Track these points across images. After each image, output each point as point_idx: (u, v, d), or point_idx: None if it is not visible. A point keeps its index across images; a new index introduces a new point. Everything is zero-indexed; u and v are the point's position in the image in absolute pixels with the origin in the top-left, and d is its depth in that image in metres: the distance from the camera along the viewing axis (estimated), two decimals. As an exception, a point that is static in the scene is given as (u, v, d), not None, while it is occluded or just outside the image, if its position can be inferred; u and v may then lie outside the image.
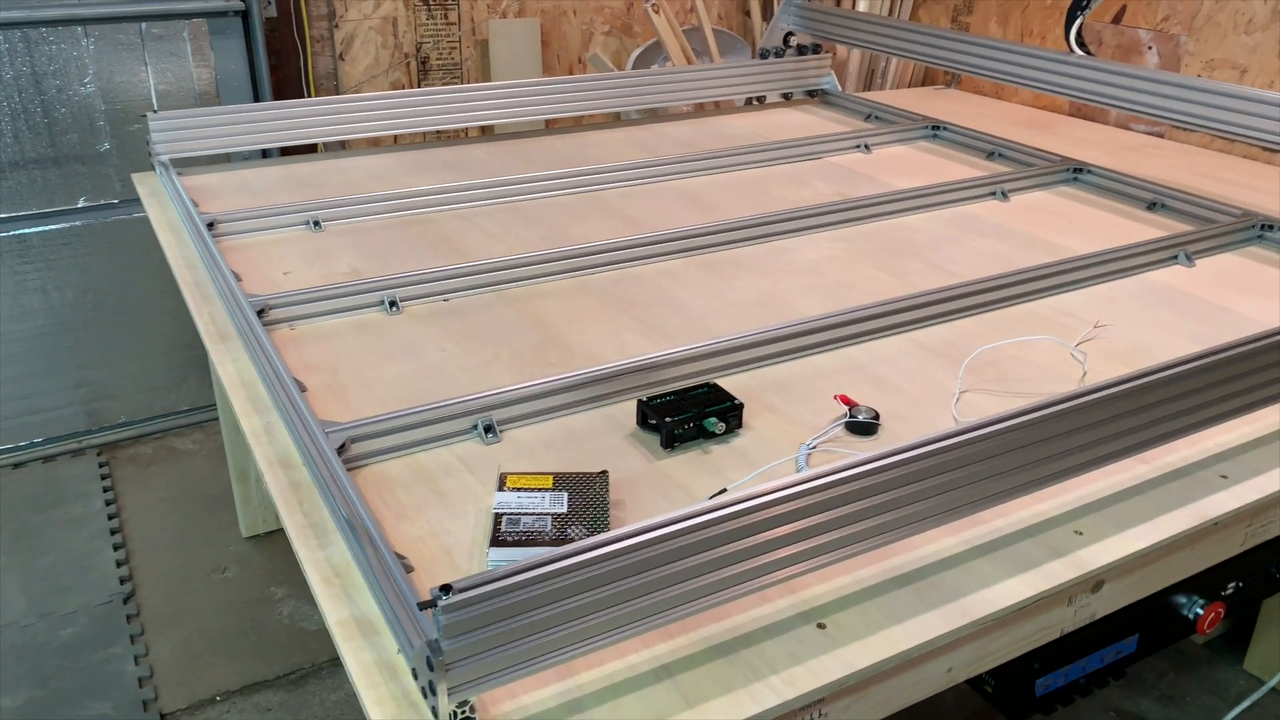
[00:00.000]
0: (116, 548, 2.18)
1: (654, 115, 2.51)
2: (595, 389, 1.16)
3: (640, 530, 0.72)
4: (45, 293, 2.39)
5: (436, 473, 1.04)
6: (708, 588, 0.77)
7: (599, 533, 0.84)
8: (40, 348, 2.42)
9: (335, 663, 1.92)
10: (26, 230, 2.34)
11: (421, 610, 0.67)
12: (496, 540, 0.86)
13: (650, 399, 1.10)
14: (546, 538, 0.87)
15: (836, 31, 2.41)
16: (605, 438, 1.10)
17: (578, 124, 2.48)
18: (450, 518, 0.97)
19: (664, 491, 1.00)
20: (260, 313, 1.30)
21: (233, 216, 1.64)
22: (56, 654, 1.90)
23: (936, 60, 2.22)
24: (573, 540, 0.85)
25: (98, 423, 2.54)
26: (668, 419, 1.05)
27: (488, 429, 1.09)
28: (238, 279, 1.39)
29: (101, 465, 2.46)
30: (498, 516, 0.90)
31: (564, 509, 0.91)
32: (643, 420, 1.10)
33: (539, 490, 0.93)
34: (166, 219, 1.73)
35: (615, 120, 2.48)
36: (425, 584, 0.87)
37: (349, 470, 1.00)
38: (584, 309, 1.41)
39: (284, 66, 2.56)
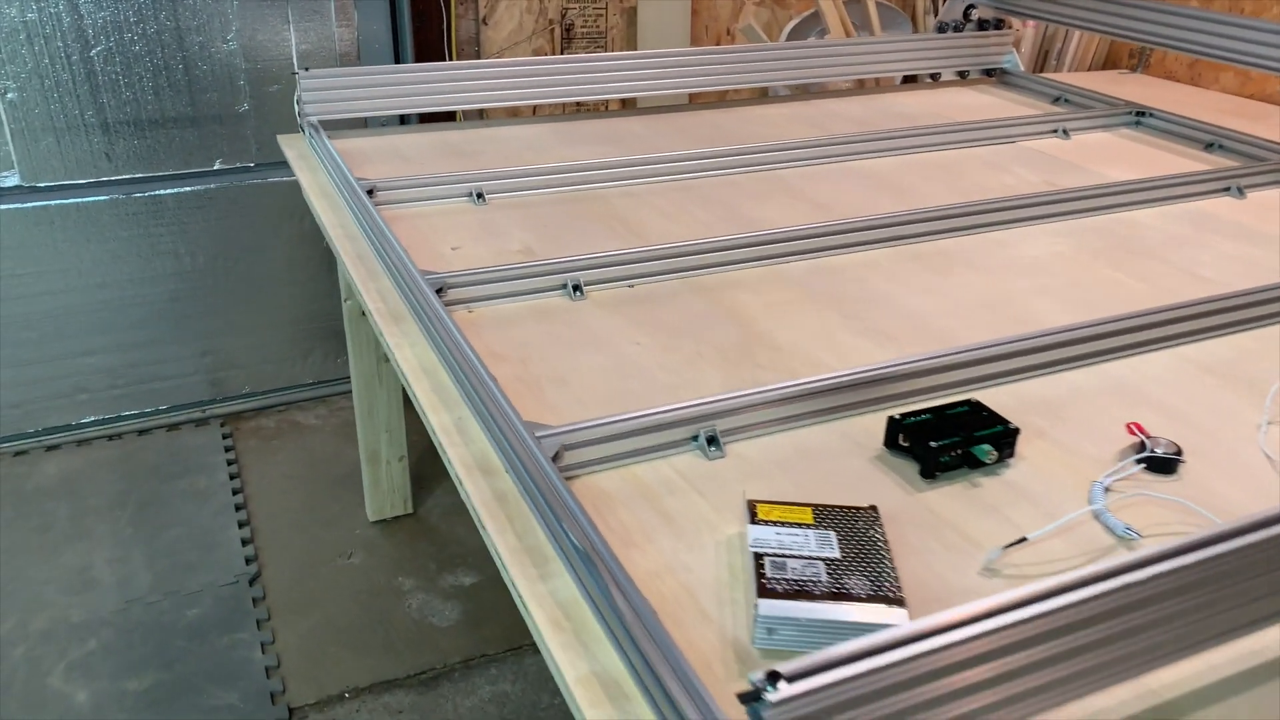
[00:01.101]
0: (241, 524, 2.10)
1: (807, 92, 2.33)
2: (827, 400, 1.00)
3: (1035, 597, 0.56)
4: (177, 256, 2.32)
5: (658, 490, 0.89)
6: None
7: (887, 587, 0.69)
8: (169, 313, 2.35)
9: (468, 664, 1.81)
10: (162, 191, 2.26)
11: (743, 702, 0.52)
12: (765, 590, 0.71)
13: (904, 417, 0.93)
14: (822, 589, 0.71)
15: (1028, 5, 2.19)
16: (845, 459, 0.94)
17: (721, 99, 2.32)
18: (685, 549, 0.82)
19: (935, 532, 0.84)
20: (439, 291, 1.17)
21: (392, 184, 1.52)
22: (183, 635, 1.82)
23: (1143, 37, 2.00)
24: (855, 596, 0.70)
25: (222, 392, 2.47)
26: (931, 443, 0.89)
27: (711, 441, 0.94)
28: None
29: (225, 436, 2.39)
30: (759, 558, 0.74)
31: (836, 553, 0.75)
32: (892, 441, 0.94)
33: (800, 526, 0.78)
34: (317, 184, 1.61)
35: (763, 96, 2.30)
36: (675, 632, 0.72)
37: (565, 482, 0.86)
38: (784, 303, 1.25)
39: (426, 30, 2.44)
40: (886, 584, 0.72)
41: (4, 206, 2.15)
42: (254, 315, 2.45)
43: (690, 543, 0.83)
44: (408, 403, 2.03)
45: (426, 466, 2.29)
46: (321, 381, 2.55)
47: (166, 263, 2.32)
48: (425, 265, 1.29)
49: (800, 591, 0.71)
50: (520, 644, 1.86)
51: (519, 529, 0.83)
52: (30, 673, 1.72)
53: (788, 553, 0.75)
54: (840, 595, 0.71)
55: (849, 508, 0.81)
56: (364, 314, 1.83)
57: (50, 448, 2.31)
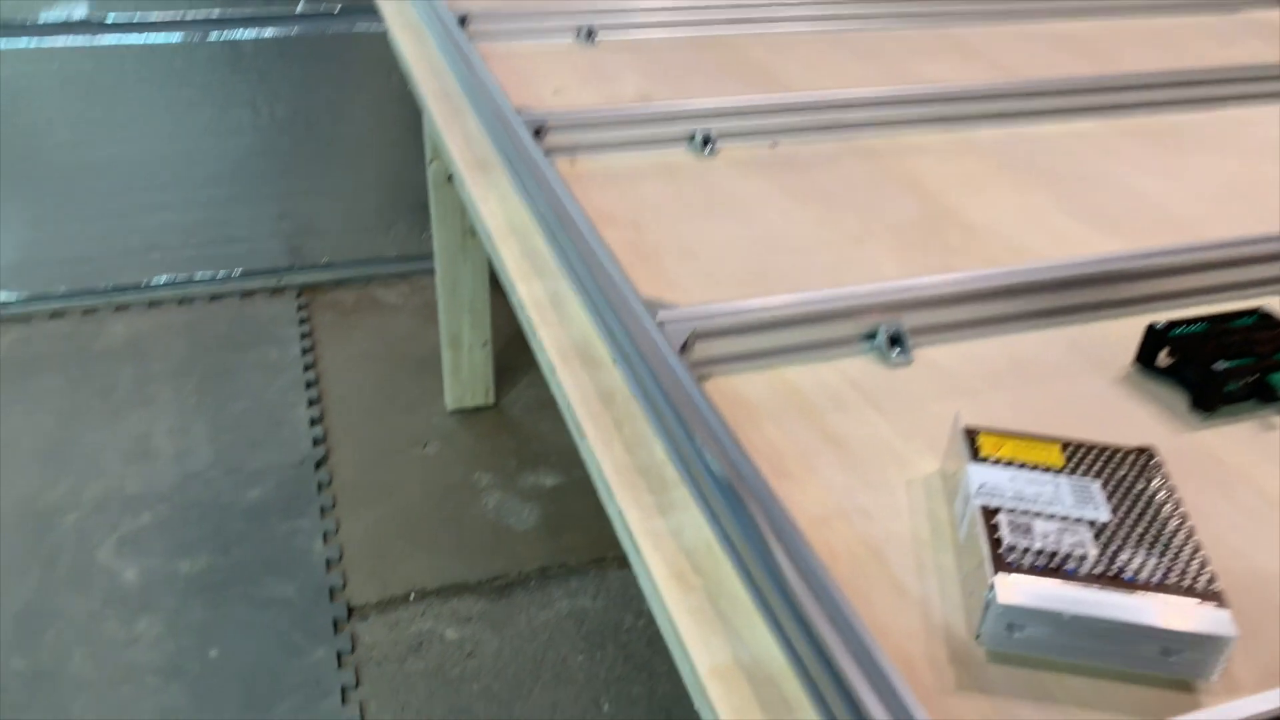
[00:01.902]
0: (311, 403, 1.94)
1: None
2: (1051, 298, 0.74)
3: None
4: (254, 108, 2.12)
5: (820, 402, 0.65)
6: None
7: (1191, 572, 0.44)
8: (244, 170, 2.17)
9: (544, 574, 1.63)
10: (240, 35, 2.05)
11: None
12: (1003, 563, 0.47)
13: (1169, 327, 0.67)
14: (1091, 570, 0.47)
15: None
16: (1079, 378, 0.69)
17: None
18: (862, 487, 0.58)
19: (1221, 488, 0.59)
20: (537, 133, 0.93)
21: (488, 15, 1.27)
22: (241, 517, 1.67)
23: None
24: (1144, 582, 0.46)
25: (299, 260, 2.29)
26: (1216, 365, 0.63)
27: (895, 341, 0.69)
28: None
29: (300, 308, 2.22)
30: (990, 514, 0.50)
31: (1104, 513, 0.51)
32: (1148, 358, 0.68)
33: (1044, 470, 0.53)
34: (404, 18, 1.37)
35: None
36: (871, 611, 0.49)
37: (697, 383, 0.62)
38: (976, 175, 0.98)
39: None
40: (1189, 566, 0.48)
41: (71, 42, 1.96)
42: (335, 179, 2.25)
43: (869, 479, 0.59)
44: (495, 284, 1.82)
45: (511, 355, 2.09)
46: (405, 257, 2.35)
47: (243, 114, 2.12)
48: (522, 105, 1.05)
49: (1057, 570, 0.47)
50: (604, 556, 1.66)
51: (629, 439, 0.61)
52: (79, 544, 1.60)
53: (1031, 509, 0.51)
54: (1119, 581, 0.47)
55: (1112, 448, 0.56)
56: (450, 178, 1.61)
57: (119, 308, 2.17)
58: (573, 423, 0.64)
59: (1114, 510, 0.51)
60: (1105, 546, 0.49)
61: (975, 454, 0.54)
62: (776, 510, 0.51)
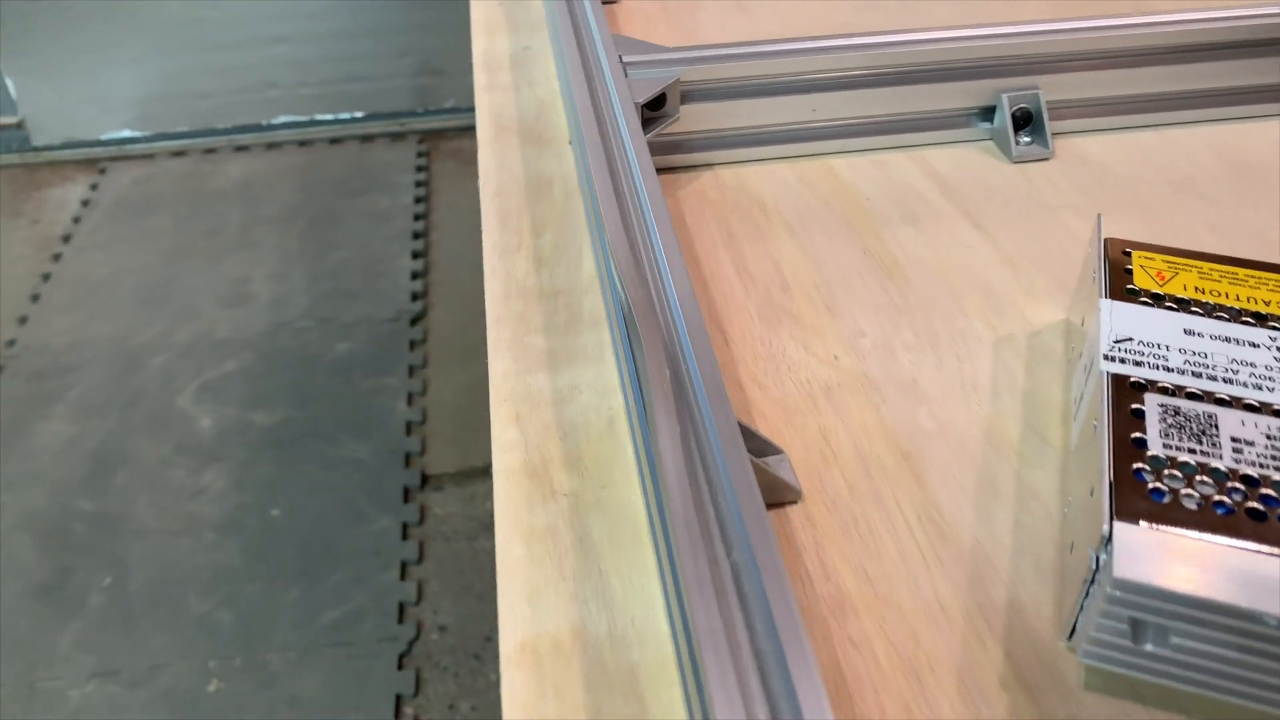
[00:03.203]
0: (415, 255, 1.79)
1: None
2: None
3: None
4: (373, -71, 1.93)
5: (882, 208, 0.40)
6: None
7: None
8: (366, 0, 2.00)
9: (642, 456, 1.43)
10: None
11: None
12: (1135, 494, 0.22)
13: None
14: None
15: None
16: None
17: None
18: (919, 342, 0.34)
19: None
20: None
21: None
22: (325, 371, 1.56)
23: None
24: None
25: (423, 103, 2.13)
26: None
27: (1023, 121, 0.43)
28: None
29: (420, 155, 2.06)
30: (1129, 392, 0.25)
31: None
32: None
33: (1248, 320, 0.27)
34: None
35: None
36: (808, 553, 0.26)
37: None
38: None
39: None
40: None
41: None
42: (465, 9, 2.04)
43: (935, 328, 0.34)
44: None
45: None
46: (534, 101, 2.15)
47: (362, -64, 1.94)
48: None
49: (1256, 523, 0.22)
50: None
51: (545, 252, 0.38)
52: (161, 387, 1.52)
53: (1216, 389, 0.25)
54: None
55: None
56: None
57: (239, 148, 2.08)
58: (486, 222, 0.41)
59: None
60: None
61: (1121, 285, 0.28)
62: (710, 363, 0.27)
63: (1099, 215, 0.32)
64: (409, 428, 1.47)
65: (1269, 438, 0.24)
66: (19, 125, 2.01)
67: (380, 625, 1.20)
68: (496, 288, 0.36)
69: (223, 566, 1.27)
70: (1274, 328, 0.27)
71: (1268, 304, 0.28)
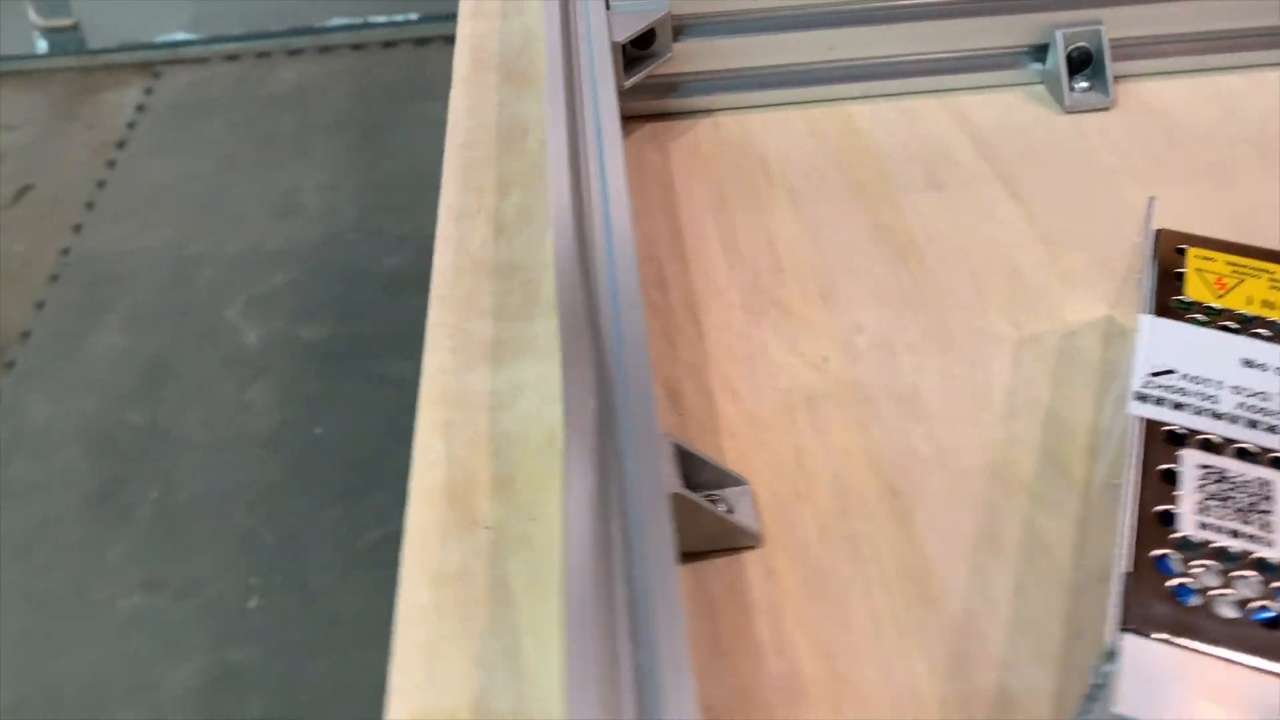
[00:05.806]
0: (467, 166, 1.74)
1: None
2: None
3: None
4: None
5: (901, 168, 0.34)
6: None
7: None
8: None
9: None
10: None
11: None
12: (1148, 591, 0.17)
13: None
14: None
15: None
16: None
17: None
18: (925, 340, 0.28)
19: None
20: None
21: None
22: (373, 285, 1.54)
23: None
24: None
25: (479, 5, 2.05)
26: None
27: (1081, 62, 0.36)
28: None
29: (475, 59, 2.00)
30: (1163, 443, 0.19)
31: None
32: None
33: (1341, 353, 0.21)
34: None
35: None
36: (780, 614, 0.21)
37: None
38: None
39: None
40: None
41: None
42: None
43: (947, 323, 0.29)
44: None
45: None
46: (593, 3, 2.05)
47: None
48: None
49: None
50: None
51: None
52: (210, 300, 1.52)
53: (1274, 443, 0.19)
54: None
55: None
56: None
57: (293, 52, 2.04)
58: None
59: None
60: None
61: (1169, 294, 0.23)
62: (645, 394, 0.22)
63: (1151, 199, 0.26)
64: (454, 346, 1.44)
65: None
66: (74, 27, 2.00)
67: (418, 548, 1.20)
68: (446, 259, 0.32)
69: (265, 483, 1.28)
70: (1361, 367, 0.21)
71: (1355, 333, 0.22)
